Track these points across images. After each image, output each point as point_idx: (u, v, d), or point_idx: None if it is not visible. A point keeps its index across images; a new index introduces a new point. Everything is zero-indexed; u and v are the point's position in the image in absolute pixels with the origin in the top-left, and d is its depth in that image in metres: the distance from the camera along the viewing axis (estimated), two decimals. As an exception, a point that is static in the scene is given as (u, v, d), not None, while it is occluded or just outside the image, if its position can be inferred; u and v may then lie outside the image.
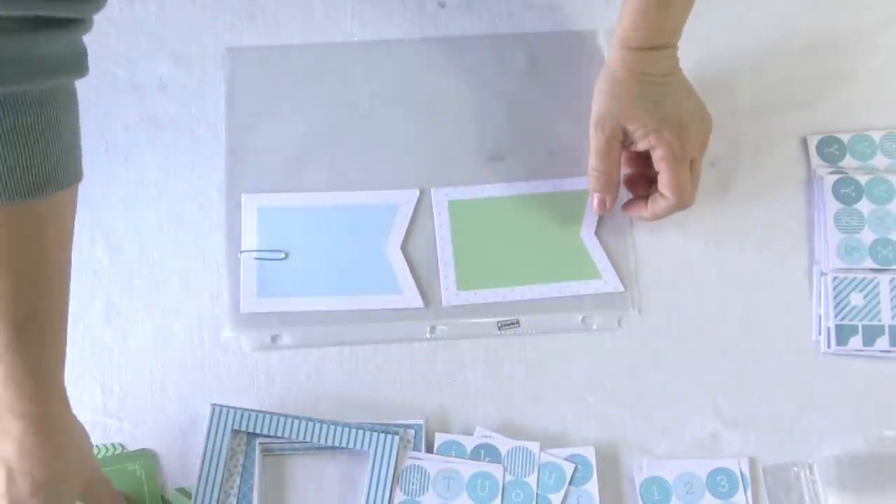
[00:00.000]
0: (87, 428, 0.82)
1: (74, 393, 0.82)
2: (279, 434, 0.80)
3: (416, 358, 0.85)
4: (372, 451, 0.80)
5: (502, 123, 0.92)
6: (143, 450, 0.81)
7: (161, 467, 0.81)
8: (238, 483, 0.80)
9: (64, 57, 0.63)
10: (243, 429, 0.80)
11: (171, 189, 0.89)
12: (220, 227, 0.88)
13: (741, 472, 0.81)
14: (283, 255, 0.87)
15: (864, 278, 0.87)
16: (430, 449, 0.82)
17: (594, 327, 0.86)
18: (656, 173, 0.84)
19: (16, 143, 0.61)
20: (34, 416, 0.69)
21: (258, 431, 0.80)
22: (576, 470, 0.81)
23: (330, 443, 0.80)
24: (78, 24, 0.62)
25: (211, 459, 0.79)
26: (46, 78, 0.62)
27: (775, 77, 0.94)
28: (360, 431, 0.80)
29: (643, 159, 0.86)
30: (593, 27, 0.95)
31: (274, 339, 0.85)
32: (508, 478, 0.81)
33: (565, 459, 0.81)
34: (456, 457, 0.81)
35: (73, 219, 0.68)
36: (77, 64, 0.64)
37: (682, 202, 0.84)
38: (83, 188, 0.87)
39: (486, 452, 0.81)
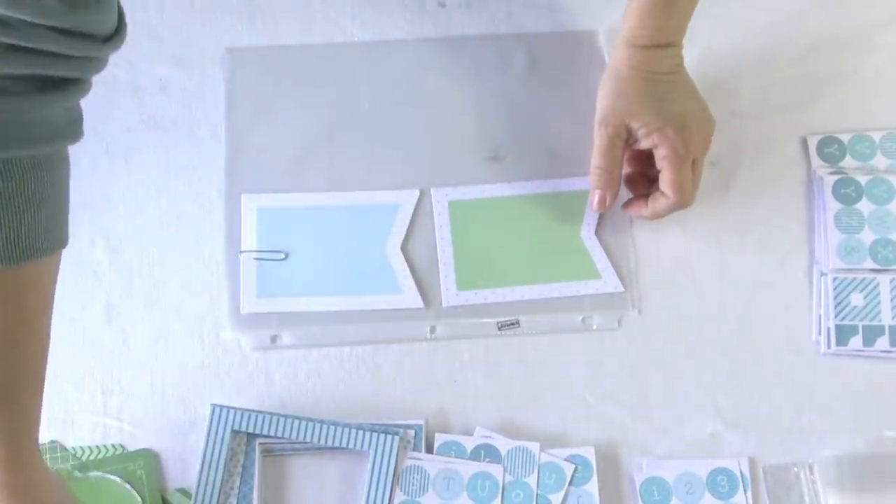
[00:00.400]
0: (88, 429, 0.82)
1: (74, 393, 0.83)
2: (279, 434, 0.80)
3: (416, 358, 0.85)
4: (372, 452, 0.80)
5: (502, 123, 0.92)
6: (143, 450, 0.81)
7: (161, 468, 0.81)
8: (238, 483, 0.80)
9: (61, 123, 0.62)
10: (243, 429, 0.80)
11: (172, 189, 0.89)
12: (220, 228, 0.88)
13: (741, 473, 0.81)
14: (282, 256, 0.87)
15: (865, 278, 0.86)
16: (430, 449, 0.82)
17: (594, 327, 0.86)
18: (657, 172, 0.84)
19: (4, 209, 0.60)
20: (6, 483, 0.68)
21: (258, 432, 0.80)
22: (576, 470, 0.81)
23: (330, 443, 0.80)
24: (78, 85, 0.61)
25: (211, 460, 0.79)
26: (43, 145, 0.61)
27: (775, 77, 0.94)
28: (360, 432, 0.80)
29: (644, 158, 0.86)
30: (593, 27, 0.95)
31: (274, 339, 0.85)
32: (508, 478, 0.81)
33: (565, 460, 0.81)
34: (456, 457, 0.81)
35: (55, 283, 0.67)
36: (73, 130, 0.63)
37: (683, 201, 0.84)
38: (84, 188, 0.88)
39: (486, 453, 0.81)
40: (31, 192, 0.61)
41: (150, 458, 0.81)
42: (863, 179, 0.89)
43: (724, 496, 0.81)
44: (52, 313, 0.68)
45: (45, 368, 0.68)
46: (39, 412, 0.69)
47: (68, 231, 0.66)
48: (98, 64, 0.62)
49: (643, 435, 0.83)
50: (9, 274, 0.61)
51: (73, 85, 0.61)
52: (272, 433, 0.80)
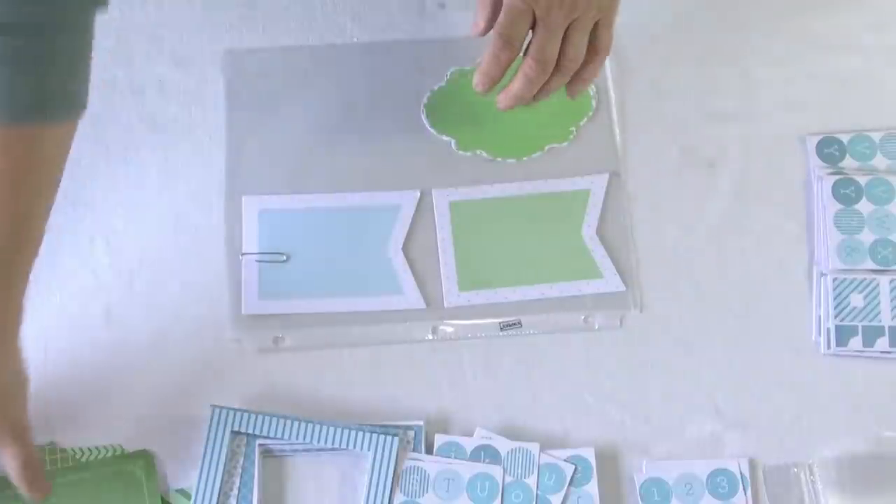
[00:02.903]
0: (87, 429, 0.82)
1: (74, 393, 0.83)
2: (279, 435, 0.80)
3: (417, 359, 0.85)
4: (372, 453, 0.80)
5: (502, 124, 0.92)
6: (142, 451, 0.81)
7: (161, 468, 0.81)
8: (238, 484, 0.80)
9: None
10: (243, 430, 0.80)
11: (171, 191, 0.89)
12: (220, 228, 0.88)
13: (741, 473, 0.81)
14: (284, 258, 0.87)
15: (864, 279, 0.87)
16: (429, 450, 0.81)
17: (596, 327, 0.86)
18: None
19: (23, 67, 0.61)
20: None
21: (258, 433, 0.80)
22: (576, 471, 0.81)
23: (330, 444, 0.80)
24: None
25: (210, 461, 0.79)
26: (62, 8, 0.62)
27: (775, 77, 0.94)
28: (360, 433, 0.80)
29: None
30: (593, 27, 0.94)
31: (276, 341, 0.85)
32: (508, 479, 0.81)
33: (565, 460, 0.81)
34: (456, 458, 0.81)
35: (68, 150, 0.68)
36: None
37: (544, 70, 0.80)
38: (83, 189, 0.88)
39: (486, 453, 0.81)
40: (48, 54, 0.62)
41: (149, 459, 0.81)
42: (862, 180, 0.89)
43: (723, 497, 0.81)
44: (57, 187, 0.69)
45: (39, 243, 0.69)
46: (25, 287, 0.70)
47: (86, 100, 0.67)
48: None
49: (643, 435, 0.83)
50: (22, 131, 0.63)
51: None
52: (272, 434, 0.80)
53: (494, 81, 0.79)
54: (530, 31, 0.78)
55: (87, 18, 0.66)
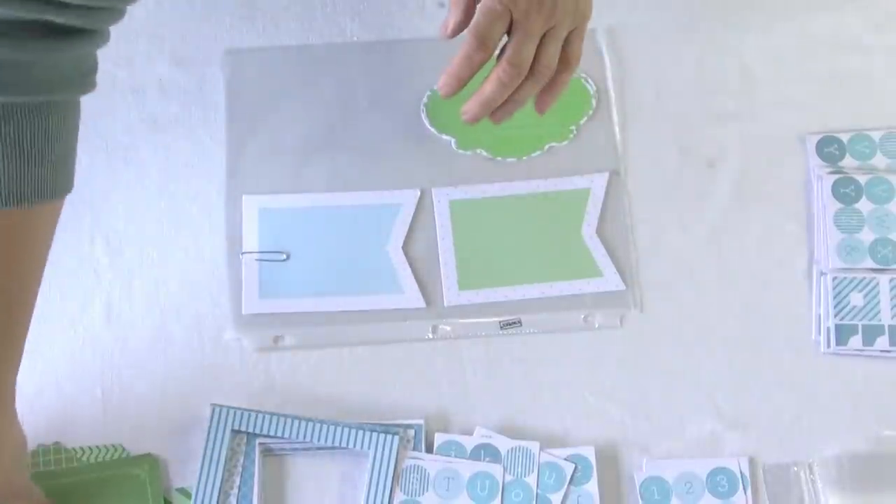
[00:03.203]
0: (88, 429, 0.82)
1: (74, 393, 0.83)
2: (279, 434, 0.80)
3: (417, 358, 0.85)
4: (372, 451, 0.80)
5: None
6: (147, 454, 0.81)
7: (162, 468, 0.81)
8: (238, 483, 0.80)
9: (70, 72, 0.61)
10: (243, 429, 0.80)
11: (172, 190, 0.89)
12: (220, 228, 0.88)
13: (741, 472, 0.82)
14: (284, 257, 0.87)
15: (864, 278, 0.87)
16: (430, 449, 0.82)
17: (596, 326, 0.86)
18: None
19: (7, 152, 0.59)
20: None
21: (258, 431, 0.80)
22: (576, 470, 0.81)
23: (330, 443, 0.80)
24: (89, 35, 0.60)
25: (211, 460, 0.79)
26: (47, 93, 0.60)
27: (775, 77, 0.94)
28: (360, 431, 0.80)
29: None
30: (592, 26, 0.94)
31: (276, 340, 0.85)
32: (508, 478, 0.81)
33: (565, 459, 0.81)
34: (456, 457, 0.81)
35: (52, 231, 0.67)
36: (83, 80, 0.63)
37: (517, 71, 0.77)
38: (84, 188, 0.88)
39: (486, 452, 0.81)
40: (32, 138, 0.60)
41: (153, 462, 0.81)
42: (862, 179, 0.89)
43: (723, 496, 0.81)
44: (44, 264, 0.68)
45: (29, 319, 0.68)
46: (18, 359, 0.69)
47: (73, 180, 0.66)
48: (112, 15, 0.60)
49: (643, 434, 0.83)
50: (3, 215, 0.61)
51: (84, 35, 0.59)
52: (272, 433, 0.80)
53: (462, 84, 0.77)
54: (504, 36, 0.77)
55: (74, 102, 0.64)
